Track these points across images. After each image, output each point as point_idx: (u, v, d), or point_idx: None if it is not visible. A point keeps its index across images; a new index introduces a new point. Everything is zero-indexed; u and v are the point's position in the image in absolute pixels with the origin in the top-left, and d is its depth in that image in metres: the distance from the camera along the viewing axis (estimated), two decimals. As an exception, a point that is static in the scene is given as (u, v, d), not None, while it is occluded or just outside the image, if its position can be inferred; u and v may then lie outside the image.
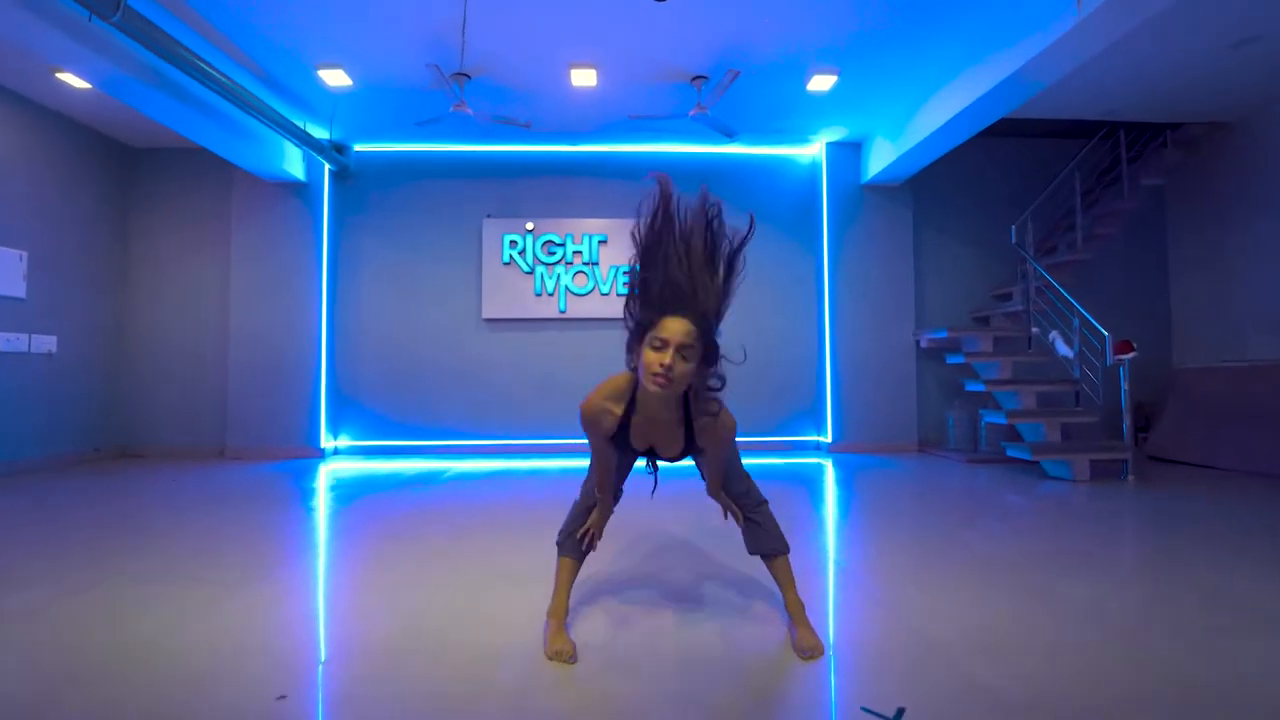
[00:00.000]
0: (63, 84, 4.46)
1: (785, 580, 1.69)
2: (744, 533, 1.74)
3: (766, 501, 1.74)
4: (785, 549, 1.71)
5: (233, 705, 1.33)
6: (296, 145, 4.97)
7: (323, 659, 1.59)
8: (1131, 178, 5.41)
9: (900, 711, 1.30)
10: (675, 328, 1.37)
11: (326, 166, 5.56)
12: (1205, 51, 4.16)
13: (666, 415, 1.51)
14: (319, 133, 5.34)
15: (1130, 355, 4.19)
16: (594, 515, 1.72)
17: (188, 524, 3.06)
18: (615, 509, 1.79)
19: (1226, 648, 1.62)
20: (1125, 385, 4.25)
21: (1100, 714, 1.31)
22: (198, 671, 1.48)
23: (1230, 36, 4.00)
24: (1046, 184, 5.64)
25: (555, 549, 1.75)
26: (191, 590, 2.05)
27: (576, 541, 1.73)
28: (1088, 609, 1.91)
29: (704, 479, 1.72)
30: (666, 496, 2.20)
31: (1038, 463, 4.38)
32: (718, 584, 2.12)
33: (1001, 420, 4.47)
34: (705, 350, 1.40)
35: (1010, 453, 4.37)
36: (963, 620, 1.81)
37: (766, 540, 1.70)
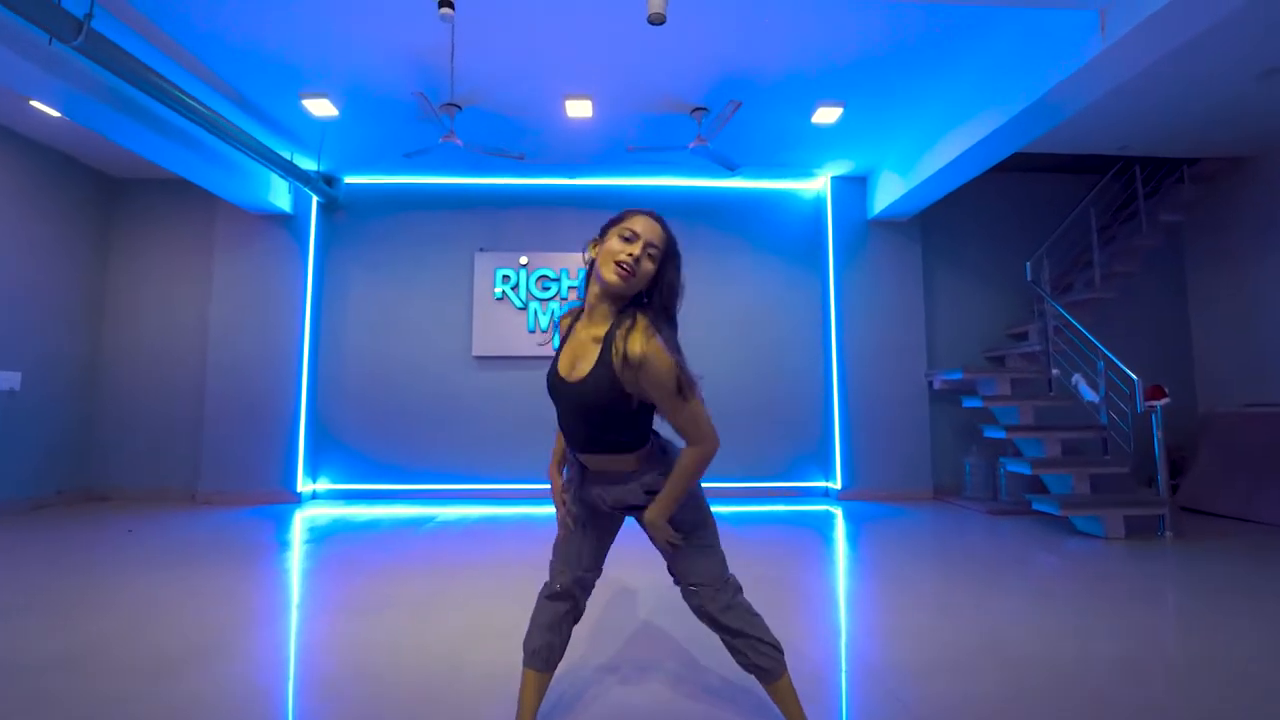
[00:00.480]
0: (36, 111, 4.29)
1: (789, 706, 1.36)
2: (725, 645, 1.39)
3: (740, 590, 1.40)
4: (781, 668, 1.37)
5: None
6: (282, 177, 4.78)
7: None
8: (1149, 213, 5.20)
9: None
10: (647, 224, 1.33)
11: (314, 198, 5.38)
12: (1229, 81, 3.99)
13: (593, 331, 1.32)
14: (307, 164, 5.17)
15: (1163, 401, 3.90)
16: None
17: (133, 583, 2.73)
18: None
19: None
20: (1158, 433, 3.94)
21: None
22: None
23: (1258, 65, 3.83)
24: (1060, 221, 5.43)
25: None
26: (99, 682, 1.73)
27: (542, 649, 1.41)
28: (1135, 688, 1.59)
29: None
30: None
31: (1067, 518, 4.05)
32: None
33: (1025, 470, 4.15)
34: (664, 274, 1.32)
35: (1037, 506, 4.04)
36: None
37: (753, 656, 1.35)
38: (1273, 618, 2.42)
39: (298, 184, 4.95)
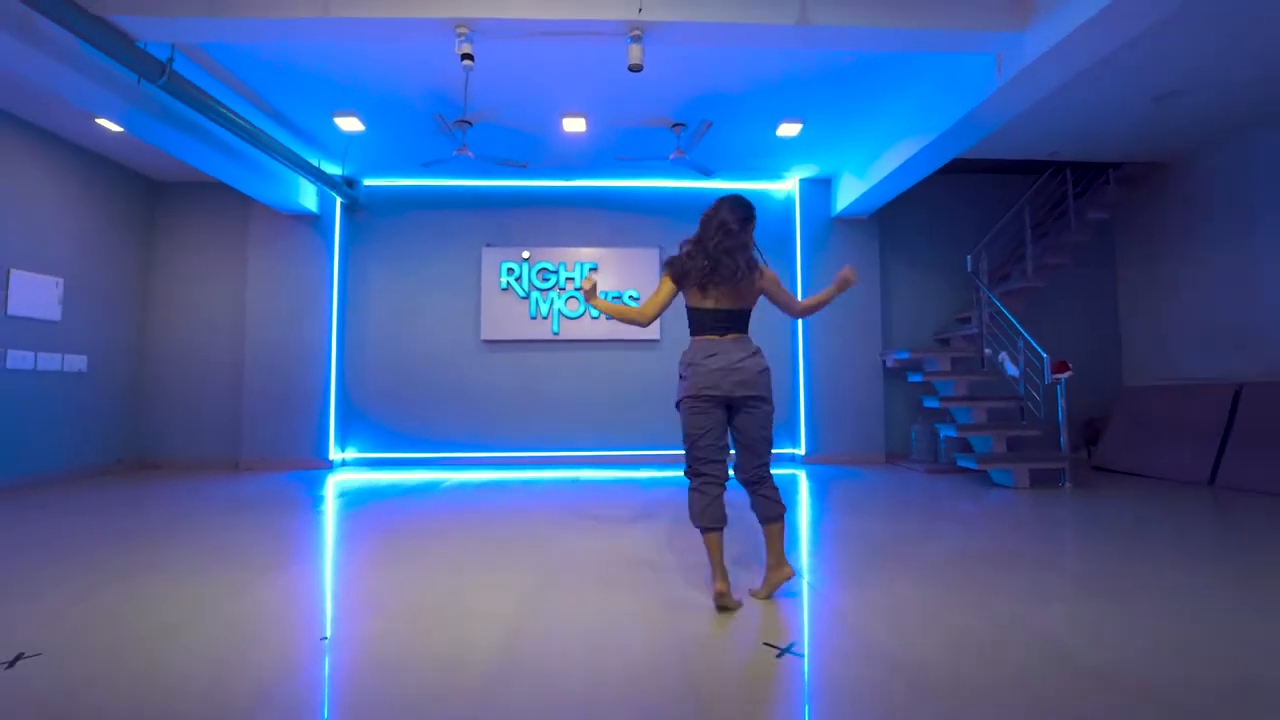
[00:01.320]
0: (98, 127, 4.91)
1: (778, 541, 2.15)
2: (752, 503, 2.19)
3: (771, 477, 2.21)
4: (781, 511, 2.15)
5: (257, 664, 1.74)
6: (311, 181, 5.43)
7: (327, 635, 2.00)
8: (1078, 212, 5.91)
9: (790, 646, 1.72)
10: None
11: (338, 200, 6.02)
12: (1131, 104, 4.66)
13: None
14: (332, 169, 5.81)
15: (1066, 374, 4.64)
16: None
17: (211, 525, 3.46)
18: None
19: (1115, 618, 2.05)
20: (1063, 402, 4.69)
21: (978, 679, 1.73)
22: (223, 642, 1.89)
23: (1152, 92, 4.50)
24: (1002, 214, 6.13)
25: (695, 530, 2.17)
26: (216, 578, 2.46)
27: (719, 518, 2.10)
28: (1004, 595, 2.33)
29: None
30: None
31: (986, 472, 4.81)
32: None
33: (953, 434, 4.90)
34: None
35: (960, 463, 4.79)
36: (909, 612, 2.23)
37: (777, 506, 2.15)
38: (1120, 541, 3.18)
39: (324, 187, 5.60)
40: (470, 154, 4.76)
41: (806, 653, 1.74)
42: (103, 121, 4.77)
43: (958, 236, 6.42)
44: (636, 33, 3.32)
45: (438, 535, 3.24)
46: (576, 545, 3.01)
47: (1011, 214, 5.98)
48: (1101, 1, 2.87)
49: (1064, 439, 4.68)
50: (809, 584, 2.41)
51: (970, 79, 3.91)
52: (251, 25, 3.31)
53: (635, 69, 3.33)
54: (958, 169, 6.34)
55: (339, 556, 2.91)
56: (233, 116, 4.20)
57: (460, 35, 3.27)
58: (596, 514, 3.76)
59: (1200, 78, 4.27)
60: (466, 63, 3.26)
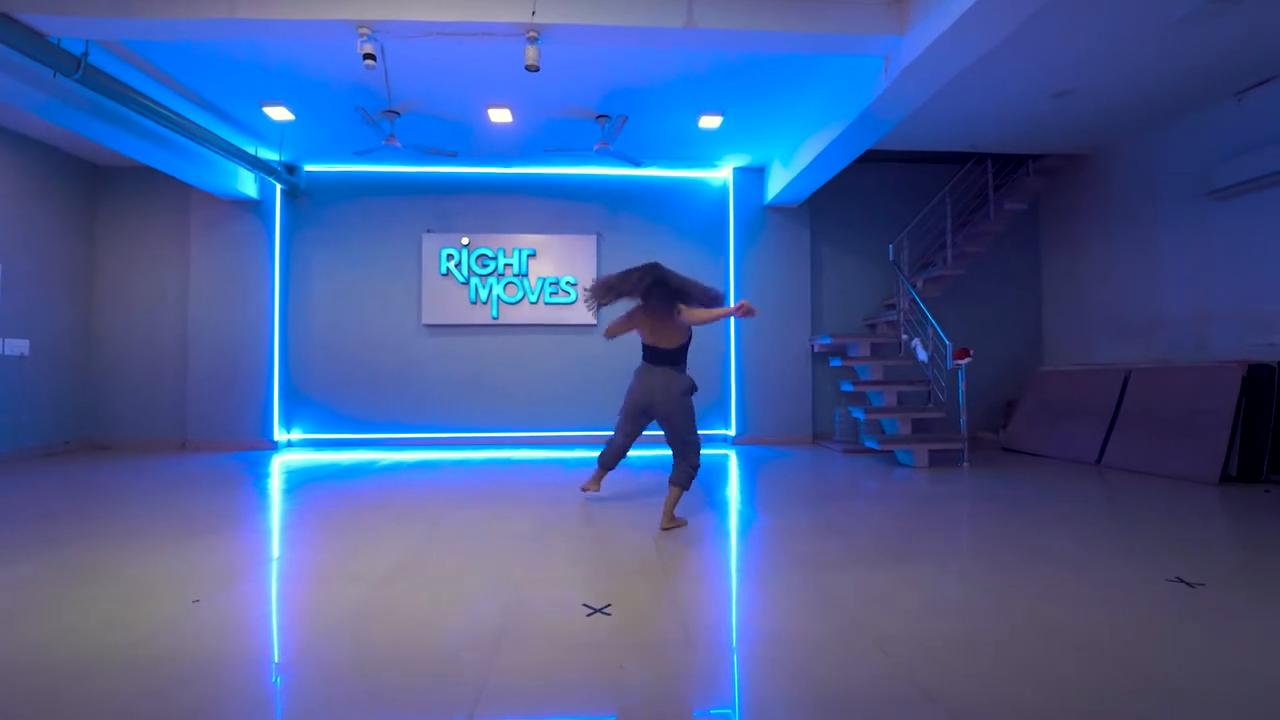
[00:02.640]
0: (26, 113, 4.95)
1: (672, 499, 3.03)
2: (674, 468, 3.08)
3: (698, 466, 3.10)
4: (684, 485, 3.05)
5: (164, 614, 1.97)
6: (248, 169, 5.52)
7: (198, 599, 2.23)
8: (997, 202, 6.14)
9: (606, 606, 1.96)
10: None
11: (278, 186, 6.11)
12: (1030, 100, 4.86)
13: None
14: (270, 156, 5.89)
15: (967, 360, 4.91)
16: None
17: (147, 500, 3.66)
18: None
19: (1001, 580, 2.32)
20: (963, 385, 4.97)
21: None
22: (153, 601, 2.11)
23: (1051, 88, 4.70)
24: (926, 204, 6.35)
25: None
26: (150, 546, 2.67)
27: (611, 459, 3.57)
28: (887, 559, 2.60)
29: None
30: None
31: (892, 452, 5.10)
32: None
33: (862, 416, 5.18)
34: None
35: (867, 443, 5.08)
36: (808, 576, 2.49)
37: (674, 475, 3.06)
38: (994, 511, 3.47)
39: (262, 174, 5.69)
40: (398, 144, 4.89)
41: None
42: (29, 113, 4.82)
43: (887, 224, 6.64)
44: (533, 34, 3.47)
45: (348, 511, 3.47)
46: (463, 518, 3.25)
47: (933, 204, 6.20)
48: (966, 3, 3.04)
49: (964, 421, 4.97)
50: (659, 549, 2.66)
51: (865, 77, 4.09)
52: (160, 25, 3.41)
53: (532, 69, 3.48)
54: (885, 158, 6.55)
55: (244, 527, 3.13)
56: (157, 108, 4.30)
57: (362, 36, 3.40)
58: (502, 491, 4.00)
59: (1090, 76, 4.48)
60: (369, 62, 3.40)
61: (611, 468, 3.62)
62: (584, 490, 3.68)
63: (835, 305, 6.66)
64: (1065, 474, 4.59)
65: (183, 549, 2.67)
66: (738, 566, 2.53)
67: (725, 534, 3.02)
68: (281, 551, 2.69)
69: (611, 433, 3.50)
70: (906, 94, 3.95)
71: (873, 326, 6.48)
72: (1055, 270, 6.61)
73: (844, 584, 2.24)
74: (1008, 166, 6.36)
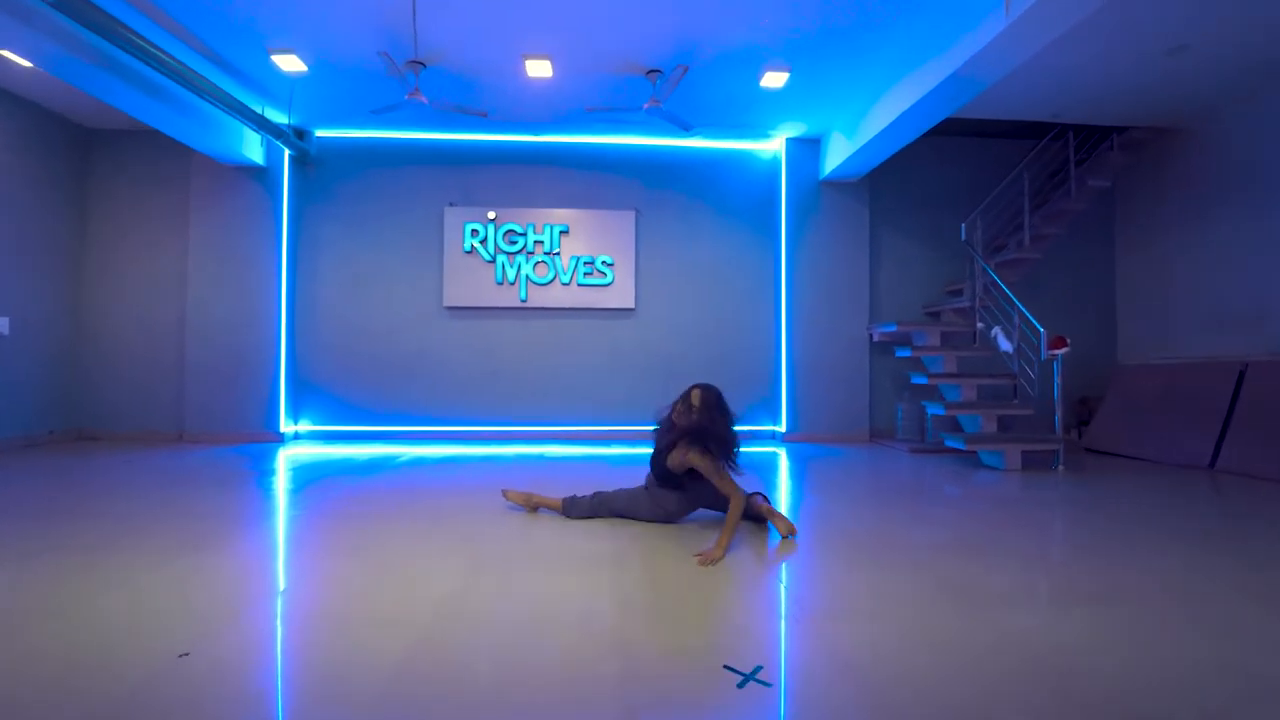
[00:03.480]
0: (8, 61, 4.40)
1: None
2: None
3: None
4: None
5: (141, 662, 1.41)
6: (254, 130, 4.95)
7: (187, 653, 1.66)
8: (1079, 179, 5.56)
9: (757, 669, 1.41)
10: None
11: (286, 152, 5.54)
12: (1141, 57, 4.29)
13: None
14: (277, 117, 5.32)
15: (1063, 350, 4.35)
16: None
17: (135, 502, 3.10)
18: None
19: (1086, 615, 1.76)
20: (1058, 379, 4.40)
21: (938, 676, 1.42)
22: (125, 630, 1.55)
23: (1164, 44, 4.14)
24: (998, 182, 5.77)
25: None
26: (125, 559, 2.11)
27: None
28: (993, 596, 2.04)
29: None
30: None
31: (975, 453, 4.54)
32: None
33: (941, 411, 4.62)
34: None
35: (948, 443, 4.51)
36: (880, 602, 1.92)
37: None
38: (1121, 532, 2.91)
39: (269, 137, 5.12)
40: (424, 99, 4.31)
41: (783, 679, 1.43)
42: (10, 55, 4.26)
43: (950, 204, 6.06)
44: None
45: (376, 517, 2.91)
46: (520, 531, 2.69)
47: (1009, 180, 5.62)
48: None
49: (1059, 419, 4.40)
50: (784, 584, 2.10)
51: (969, 22, 3.52)
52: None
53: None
54: (952, 131, 5.96)
55: (244, 541, 2.57)
56: (150, 48, 3.72)
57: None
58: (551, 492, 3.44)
59: (1208, 30, 3.91)
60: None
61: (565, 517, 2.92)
62: (507, 497, 3.06)
63: (892, 291, 6.08)
64: (1182, 481, 4.02)
65: (169, 571, 2.11)
66: (884, 602, 1.97)
67: (834, 554, 2.45)
68: (289, 582, 2.12)
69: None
70: (1028, 38, 3.37)
71: (935, 315, 5.90)
72: (1133, 256, 6.03)
73: (1039, 633, 1.68)
74: (1088, 141, 5.78)
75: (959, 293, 5.86)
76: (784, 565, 2.26)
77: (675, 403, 2.66)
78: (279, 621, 1.72)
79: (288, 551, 2.45)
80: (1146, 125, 5.51)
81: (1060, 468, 4.32)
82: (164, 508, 3.04)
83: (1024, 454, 4.30)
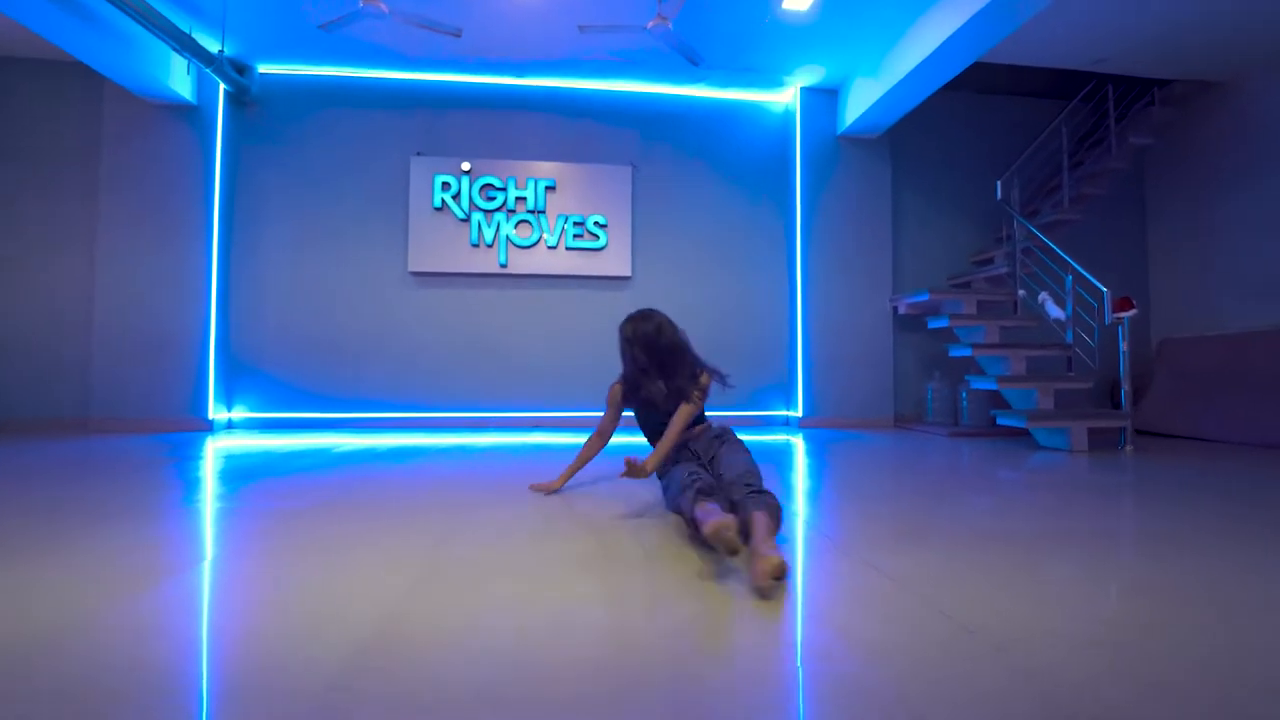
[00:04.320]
0: None
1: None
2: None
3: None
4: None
5: None
6: (178, 51, 4.10)
7: None
8: (1119, 136, 5.07)
9: None
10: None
11: (221, 87, 4.70)
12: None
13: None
14: (210, 44, 4.49)
15: (1130, 313, 3.79)
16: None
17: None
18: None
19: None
20: (1124, 345, 3.84)
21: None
22: None
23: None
24: (1025, 147, 5.24)
25: None
26: None
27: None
28: (1095, 592, 1.38)
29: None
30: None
31: (1028, 433, 3.95)
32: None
33: (991, 386, 4.01)
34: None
35: (1001, 421, 3.91)
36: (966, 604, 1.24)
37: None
38: (1216, 513, 2.30)
39: (199, 66, 4.29)
40: (383, 6, 3.56)
41: None
42: None
43: (973, 168, 5.54)
44: None
45: (310, 519, 2.13)
46: (476, 535, 1.95)
47: (1046, 134, 5.10)
48: None
49: (1125, 392, 3.83)
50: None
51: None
52: None
53: None
54: (974, 88, 5.46)
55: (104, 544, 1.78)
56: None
57: None
58: (519, 493, 2.70)
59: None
60: None
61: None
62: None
63: (913, 262, 5.50)
64: (1275, 463, 3.48)
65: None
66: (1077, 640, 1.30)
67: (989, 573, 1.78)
68: (171, 584, 1.35)
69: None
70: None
71: (964, 285, 5.33)
72: (1167, 221, 5.56)
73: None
74: (1125, 98, 5.30)
75: (987, 263, 5.32)
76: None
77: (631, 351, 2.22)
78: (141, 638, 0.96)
79: (183, 556, 1.67)
80: (1192, 78, 5.05)
81: (1129, 448, 3.75)
82: (35, 513, 2.21)
83: (1090, 432, 3.72)
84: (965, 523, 2.03)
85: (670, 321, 2.24)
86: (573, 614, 1.24)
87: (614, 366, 2.36)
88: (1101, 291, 3.86)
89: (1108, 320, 3.84)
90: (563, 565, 1.55)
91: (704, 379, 2.19)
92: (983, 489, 2.65)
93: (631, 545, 1.71)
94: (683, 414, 2.09)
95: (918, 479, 2.90)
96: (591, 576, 1.46)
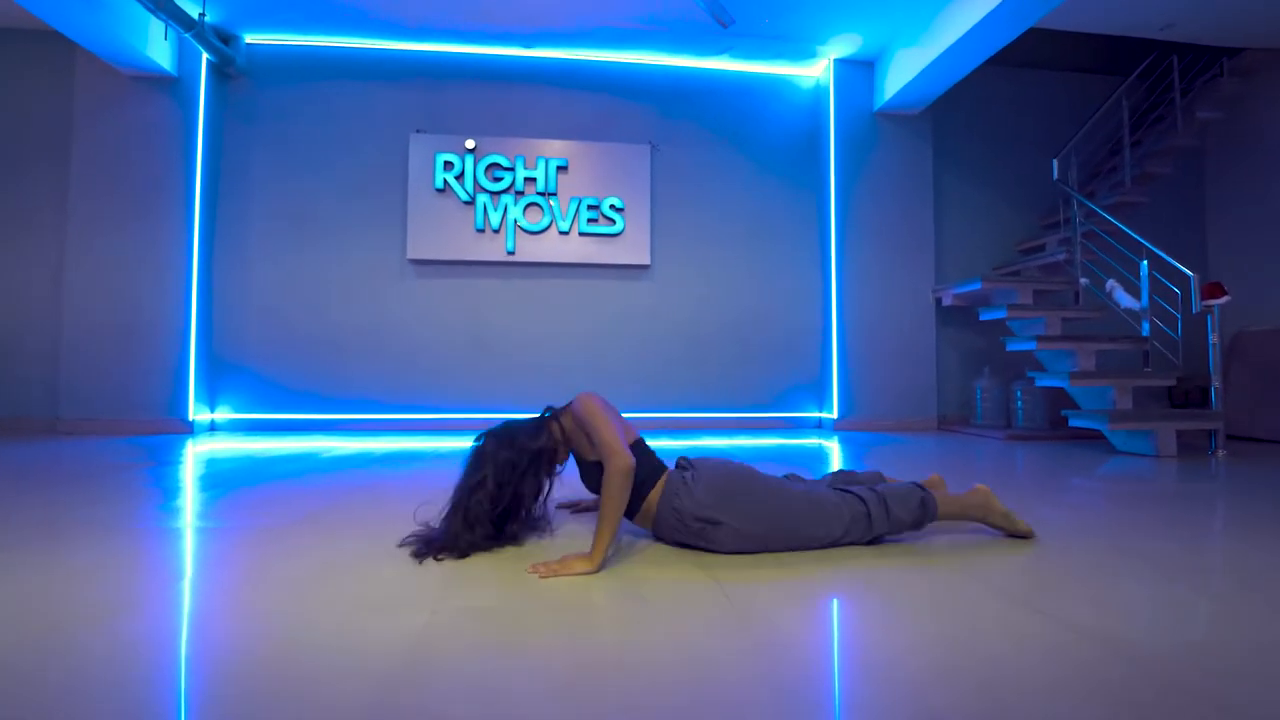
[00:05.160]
0: None
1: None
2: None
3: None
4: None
5: None
6: (156, 14, 3.70)
7: None
8: (1186, 109, 4.63)
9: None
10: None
11: (204, 56, 4.30)
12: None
13: None
14: (190, 8, 4.09)
15: (1223, 300, 3.35)
16: None
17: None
18: None
19: None
20: (1214, 339, 3.39)
21: None
22: None
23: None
24: (1078, 127, 4.80)
25: None
26: None
27: None
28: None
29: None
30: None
31: (1098, 436, 3.50)
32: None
33: (1057, 383, 3.56)
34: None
35: (1075, 422, 3.46)
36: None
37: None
38: None
39: (178, 30, 3.89)
40: (378, -46, 3.15)
41: None
42: None
43: (1021, 148, 5.12)
44: None
45: (293, 534, 1.71)
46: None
47: (1105, 107, 4.66)
48: None
49: (1216, 389, 3.38)
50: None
51: None
52: None
53: None
54: (1022, 62, 5.03)
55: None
56: None
57: None
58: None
59: None
60: None
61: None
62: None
63: (956, 250, 5.07)
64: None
65: None
66: None
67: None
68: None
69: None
70: None
71: (1013, 274, 4.89)
72: (1237, 203, 5.09)
73: None
74: (1189, 71, 4.86)
75: (1036, 250, 4.88)
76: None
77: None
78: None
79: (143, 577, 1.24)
80: (1262, 46, 4.61)
81: (1221, 452, 3.30)
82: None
83: (1178, 435, 3.27)
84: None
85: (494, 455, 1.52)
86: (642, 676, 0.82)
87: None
88: (1188, 276, 3.42)
89: (1195, 309, 3.39)
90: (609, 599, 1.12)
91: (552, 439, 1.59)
92: (1081, 501, 2.20)
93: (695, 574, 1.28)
94: (612, 484, 1.38)
95: (1004, 490, 2.45)
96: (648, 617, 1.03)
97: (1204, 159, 5.31)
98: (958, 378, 4.90)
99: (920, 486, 1.61)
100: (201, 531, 1.73)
